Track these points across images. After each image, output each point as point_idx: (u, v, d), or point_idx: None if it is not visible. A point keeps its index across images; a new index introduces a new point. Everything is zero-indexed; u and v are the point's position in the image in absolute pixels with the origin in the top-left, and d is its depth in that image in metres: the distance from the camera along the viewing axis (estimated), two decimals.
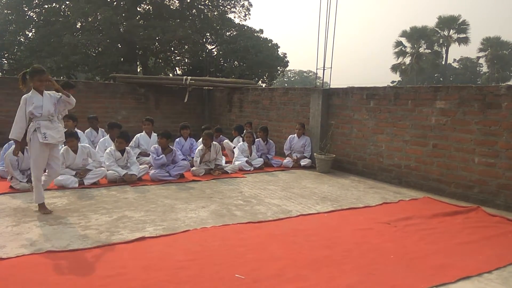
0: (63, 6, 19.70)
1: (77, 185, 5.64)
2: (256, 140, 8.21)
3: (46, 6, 19.56)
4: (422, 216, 4.60)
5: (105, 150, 6.38)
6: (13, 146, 5.53)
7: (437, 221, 4.47)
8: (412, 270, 3.17)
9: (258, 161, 7.66)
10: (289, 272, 3.05)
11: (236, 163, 7.39)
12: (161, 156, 6.42)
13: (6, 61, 21.60)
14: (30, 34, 19.90)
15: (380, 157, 6.82)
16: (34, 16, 19.70)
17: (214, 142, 7.12)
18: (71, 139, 5.75)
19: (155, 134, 7.58)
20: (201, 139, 7.70)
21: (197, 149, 6.97)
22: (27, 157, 5.59)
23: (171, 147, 6.68)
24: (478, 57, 45.80)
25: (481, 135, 5.35)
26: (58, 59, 17.50)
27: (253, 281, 2.89)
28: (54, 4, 19.62)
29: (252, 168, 7.40)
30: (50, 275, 2.88)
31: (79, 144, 5.99)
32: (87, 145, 6.31)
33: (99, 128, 8.20)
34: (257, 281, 2.90)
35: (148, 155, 7.11)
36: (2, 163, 5.93)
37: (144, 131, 7.56)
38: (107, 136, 7.20)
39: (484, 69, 47.62)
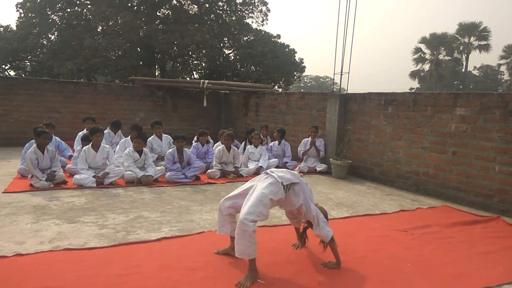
0: (85, 10, 20.15)
1: (95, 184, 5.74)
2: (270, 144, 8.18)
3: (69, 10, 20.04)
4: (440, 225, 4.51)
5: (125, 150, 6.50)
6: (34, 145, 5.69)
7: (456, 230, 4.38)
8: (430, 279, 3.11)
9: (273, 162, 7.65)
10: (304, 277, 3.03)
11: (252, 166, 7.40)
12: (176, 165, 6.54)
13: (29, 63, 22.17)
14: (52, 37, 20.38)
15: (397, 163, 6.73)
16: (56, 20, 20.16)
17: (233, 146, 7.17)
18: (99, 134, 6.15)
19: (165, 135, 7.71)
20: (218, 142, 7.77)
21: (217, 149, 7.05)
22: (46, 157, 5.72)
23: (185, 149, 6.76)
24: (499, 65, 44.84)
25: (503, 143, 5.23)
26: (78, 61, 17.89)
27: (268, 285, 2.88)
28: (76, 8, 20.10)
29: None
30: (67, 272, 2.92)
31: (102, 144, 6.22)
32: (108, 146, 6.44)
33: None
34: (272, 285, 2.88)
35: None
36: (23, 161, 6.08)
37: (154, 134, 7.64)
38: (128, 138, 7.34)
39: (506, 77, 46.48)
